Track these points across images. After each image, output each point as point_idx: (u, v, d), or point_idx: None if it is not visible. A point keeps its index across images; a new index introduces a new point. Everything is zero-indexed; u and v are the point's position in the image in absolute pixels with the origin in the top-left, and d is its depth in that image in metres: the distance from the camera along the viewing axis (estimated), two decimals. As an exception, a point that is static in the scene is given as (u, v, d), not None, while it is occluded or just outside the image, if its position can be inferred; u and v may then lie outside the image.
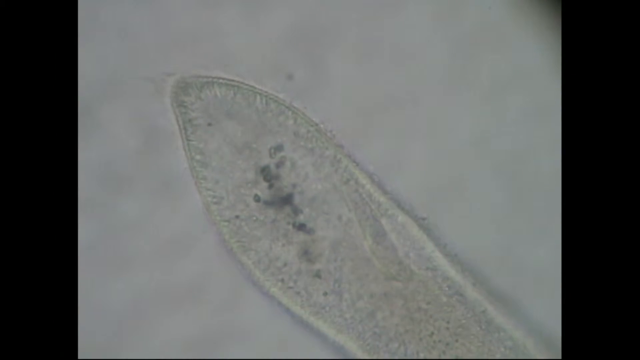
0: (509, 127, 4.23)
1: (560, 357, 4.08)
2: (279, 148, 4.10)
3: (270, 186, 4.08)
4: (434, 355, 4.16)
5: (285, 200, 4.08)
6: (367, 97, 4.22)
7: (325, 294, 4.13)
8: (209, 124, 4.11)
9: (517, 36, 4.18)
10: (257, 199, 4.09)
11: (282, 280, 4.14)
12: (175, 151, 4.16)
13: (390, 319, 4.14)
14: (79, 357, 3.82)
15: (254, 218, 4.09)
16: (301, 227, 4.11)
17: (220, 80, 4.15)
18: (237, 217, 4.11)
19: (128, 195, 4.16)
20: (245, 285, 4.20)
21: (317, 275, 4.12)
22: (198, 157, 4.13)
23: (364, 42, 4.21)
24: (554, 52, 4.12)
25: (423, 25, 4.22)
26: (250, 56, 4.18)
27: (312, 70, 4.20)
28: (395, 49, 4.21)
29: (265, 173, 4.07)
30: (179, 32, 4.16)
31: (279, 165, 4.08)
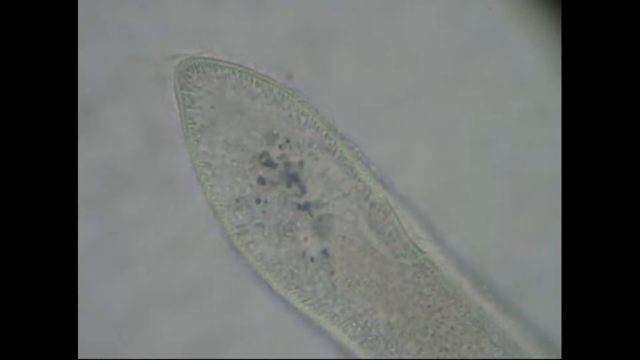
0: (509, 127, 4.23)
1: (560, 357, 4.08)
2: (276, 135, 4.11)
3: (274, 167, 4.08)
4: (442, 332, 4.17)
5: (292, 178, 4.08)
6: (368, 97, 4.22)
7: (332, 272, 4.13)
8: (212, 107, 4.12)
9: (518, 37, 4.17)
10: (261, 181, 4.08)
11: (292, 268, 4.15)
12: (177, 149, 4.17)
13: (400, 292, 4.14)
14: (79, 357, 3.83)
15: (258, 200, 4.09)
16: (306, 206, 4.11)
17: (223, 63, 4.15)
18: (236, 200, 4.11)
19: (129, 194, 4.17)
20: (248, 284, 4.21)
21: (324, 253, 4.13)
22: (203, 148, 4.14)
23: (365, 43, 4.21)
24: (555, 52, 4.12)
25: (424, 26, 4.22)
26: (252, 57, 4.18)
27: (313, 70, 4.20)
28: (396, 49, 4.21)
29: (265, 159, 4.08)
30: (180, 32, 4.16)
31: (282, 146, 4.08)
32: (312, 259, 4.13)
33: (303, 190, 4.10)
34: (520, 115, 4.22)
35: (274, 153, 4.11)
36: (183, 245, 4.20)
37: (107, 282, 4.17)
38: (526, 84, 4.21)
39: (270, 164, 4.08)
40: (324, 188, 4.12)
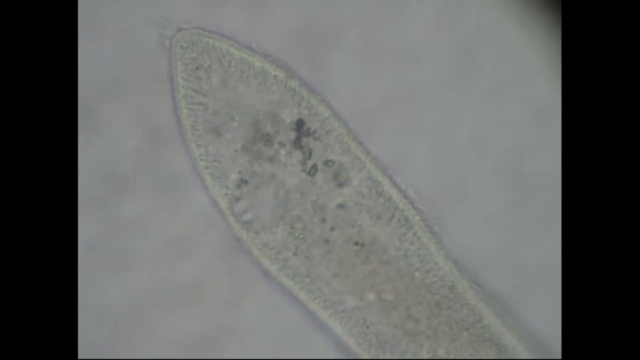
0: (509, 128, 4.23)
1: (560, 358, 4.08)
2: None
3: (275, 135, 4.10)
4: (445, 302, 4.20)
5: (299, 130, 4.09)
6: (368, 97, 4.22)
7: (342, 206, 4.15)
8: (197, 68, 4.13)
9: (518, 37, 4.18)
10: (268, 140, 4.10)
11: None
12: (177, 150, 4.17)
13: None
14: (79, 357, 3.83)
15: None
16: (312, 171, 4.12)
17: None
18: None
19: (129, 194, 4.17)
20: (247, 283, 4.21)
21: (341, 206, 4.14)
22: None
23: (365, 43, 4.22)
24: (554, 52, 4.12)
25: (424, 26, 4.22)
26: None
27: (313, 70, 4.20)
28: (396, 49, 4.21)
29: (260, 134, 4.10)
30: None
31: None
32: (323, 220, 4.16)
33: (309, 155, 4.12)
34: (520, 116, 4.23)
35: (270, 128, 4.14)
36: (182, 245, 4.20)
37: (107, 282, 4.17)
38: (526, 84, 4.21)
39: (268, 136, 4.10)
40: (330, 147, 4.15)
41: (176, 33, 4.14)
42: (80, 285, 3.94)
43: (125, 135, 4.16)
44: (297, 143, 4.11)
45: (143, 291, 4.19)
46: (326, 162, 4.13)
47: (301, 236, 4.14)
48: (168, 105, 4.16)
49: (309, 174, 4.11)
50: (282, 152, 4.13)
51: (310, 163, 4.11)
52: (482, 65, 4.23)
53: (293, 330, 4.23)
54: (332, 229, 4.15)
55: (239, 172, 4.13)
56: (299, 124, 4.08)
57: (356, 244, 4.16)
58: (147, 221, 4.18)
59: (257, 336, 4.24)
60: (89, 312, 4.12)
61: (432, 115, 4.24)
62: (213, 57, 4.14)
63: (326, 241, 4.16)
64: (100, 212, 4.16)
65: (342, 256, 4.16)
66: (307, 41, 4.20)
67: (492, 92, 4.22)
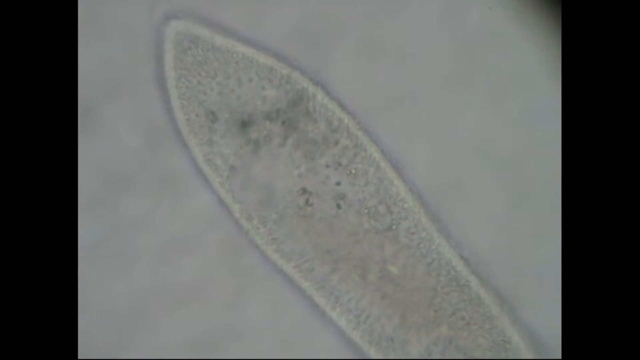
0: (509, 128, 4.23)
1: (560, 358, 4.08)
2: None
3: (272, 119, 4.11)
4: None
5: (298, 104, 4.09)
6: (368, 97, 4.22)
7: (350, 172, 4.15)
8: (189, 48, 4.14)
9: (518, 37, 4.18)
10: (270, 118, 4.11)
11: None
12: (178, 149, 4.17)
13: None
14: (79, 357, 3.83)
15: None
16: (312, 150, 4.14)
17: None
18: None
19: (130, 194, 4.17)
20: (247, 283, 4.21)
21: (352, 174, 4.15)
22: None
23: (366, 43, 4.22)
24: (555, 53, 4.13)
25: (424, 26, 4.22)
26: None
27: (313, 69, 4.20)
28: (396, 49, 4.22)
29: (247, 124, 4.10)
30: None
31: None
32: (338, 184, 4.16)
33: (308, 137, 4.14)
34: (520, 115, 4.23)
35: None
36: (183, 245, 4.20)
37: (107, 282, 4.17)
38: (526, 84, 4.21)
39: (270, 116, 4.11)
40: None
41: (173, 22, 4.16)
42: (80, 285, 3.93)
43: (125, 135, 4.17)
44: (293, 121, 4.11)
45: (144, 291, 4.19)
46: (327, 141, 4.14)
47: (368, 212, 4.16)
48: (168, 100, 4.16)
49: (308, 155, 4.12)
50: (282, 131, 4.13)
51: (309, 141, 4.12)
52: (482, 65, 4.23)
53: (295, 330, 4.23)
54: (339, 204, 4.17)
55: (250, 142, 4.14)
56: (297, 101, 4.08)
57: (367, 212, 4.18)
58: (147, 221, 4.18)
59: (258, 336, 4.24)
60: (89, 312, 4.12)
61: (432, 115, 4.24)
62: (210, 49, 4.16)
63: (338, 205, 4.17)
64: (102, 211, 4.16)
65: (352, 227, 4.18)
66: (307, 40, 4.20)
67: (492, 92, 4.22)
